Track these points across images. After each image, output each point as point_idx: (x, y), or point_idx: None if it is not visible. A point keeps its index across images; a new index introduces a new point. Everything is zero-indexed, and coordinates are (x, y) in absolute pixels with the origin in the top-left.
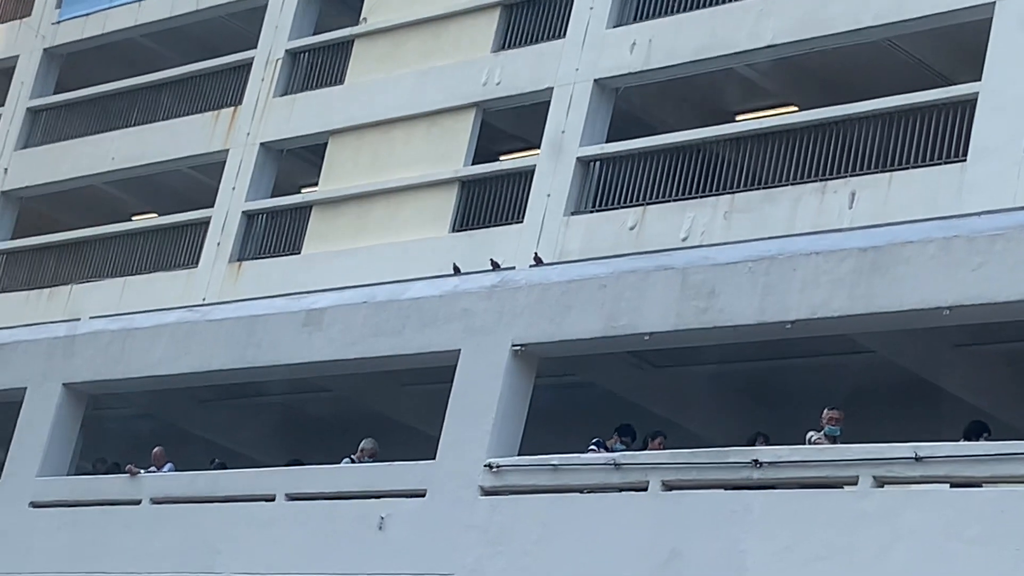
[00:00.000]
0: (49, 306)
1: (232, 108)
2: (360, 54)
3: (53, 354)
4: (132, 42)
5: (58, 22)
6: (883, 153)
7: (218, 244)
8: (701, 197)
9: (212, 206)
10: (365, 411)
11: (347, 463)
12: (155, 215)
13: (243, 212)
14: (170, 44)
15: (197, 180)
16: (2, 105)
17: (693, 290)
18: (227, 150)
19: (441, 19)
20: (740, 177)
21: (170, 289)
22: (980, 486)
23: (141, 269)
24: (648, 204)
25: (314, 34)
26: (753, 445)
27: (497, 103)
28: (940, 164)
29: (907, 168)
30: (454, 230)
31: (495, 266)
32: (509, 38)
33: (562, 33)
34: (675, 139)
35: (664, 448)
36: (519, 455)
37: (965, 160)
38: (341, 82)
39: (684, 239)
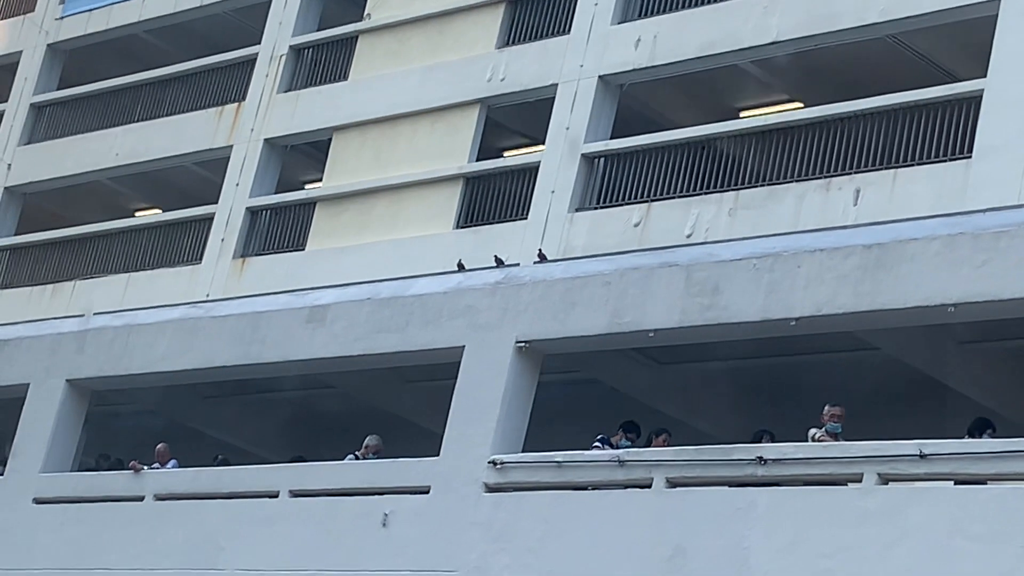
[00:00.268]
0: (53, 302)
1: (236, 104)
2: (364, 50)
3: (57, 350)
4: (136, 38)
5: (61, 18)
6: (888, 150)
7: (222, 240)
8: (706, 194)
9: (216, 202)
10: (369, 407)
11: (351, 459)
12: (159, 211)
13: (247, 208)
14: (174, 40)
15: (201, 176)
16: (5, 101)
17: (697, 287)
18: (231, 146)
19: (445, 15)
20: (745, 174)
21: (174, 285)
22: (985, 483)
23: (145, 265)
24: (652, 201)
25: (318, 30)
26: (758, 443)
27: (501, 99)
28: (945, 161)
29: (912, 165)
30: (458, 226)
31: (499, 263)
32: (514, 34)
33: (567, 29)
34: (680, 136)
35: (668, 445)
36: (523, 452)
37: (970, 157)
38: (345, 78)
39: (688, 236)
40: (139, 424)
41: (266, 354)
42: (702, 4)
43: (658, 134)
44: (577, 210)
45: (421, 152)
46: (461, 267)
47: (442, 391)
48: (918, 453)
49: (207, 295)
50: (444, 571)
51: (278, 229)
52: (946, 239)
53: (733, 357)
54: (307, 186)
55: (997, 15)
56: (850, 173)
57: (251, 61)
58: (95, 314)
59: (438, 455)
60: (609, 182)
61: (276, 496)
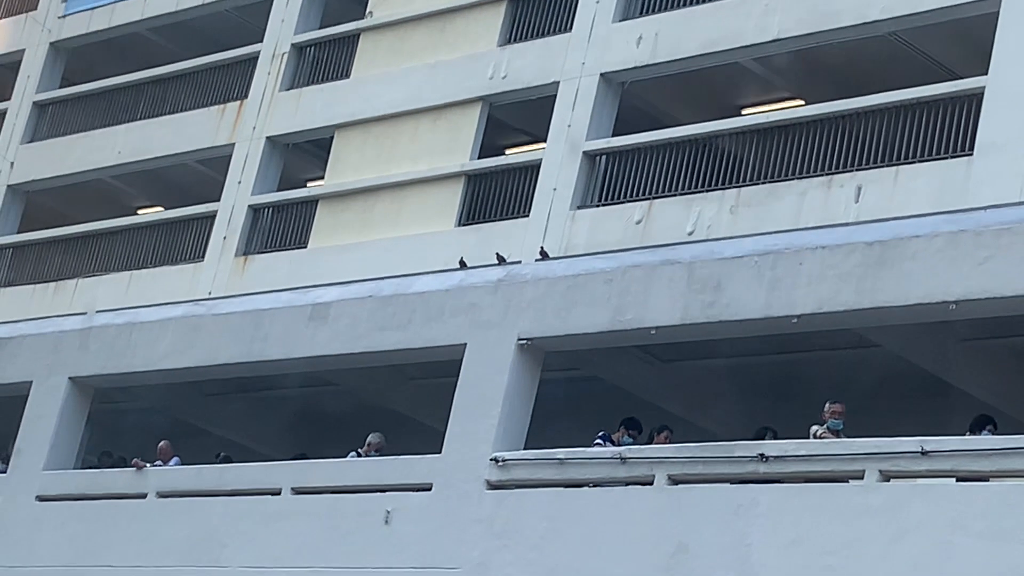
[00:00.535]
0: (55, 300)
1: (238, 102)
2: (366, 48)
3: (59, 348)
4: (138, 36)
5: (64, 16)
6: (889, 147)
7: (224, 238)
8: (707, 191)
9: (218, 200)
10: (371, 405)
11: (353, 457)
12: (161, 209)
13: (249, 206)
14: (176, 38)
15: (203, 174)
16: (8, 99)
17: (699, 284)
18: (233, 144)
19: (447, 13)
20: (746, 171)
21: (176, 283)
22: (986, 480)
23: (147, 263)
24: (654, 198)
25: (320, 28)
26: (761, 440)
27: (503, 97)
28: (947, 158)
29: (914, 162)
30: (460, 224)
31: (501, 260)
32: (515, 32)
33: (568, 27)
34: (681, 133)
35: (670, 442)
36: (525, 449)
37: (972, 154)
38: (347, 76)
39: (690, 233)
40: (142, 422)
41: (268, 352)
42: (704, 2)
43: (660, 132)
44: (579, 208)
45: (423, 150)
46: (463, 265)
47: (444, 389)
48: (920, 450)
49: (209, 293)
50: (446, 568)
51: (280, 227)
52: (948, 236)
53: (735, 354)
54: (309, 184)
55: (998, 12)
56: (852, 170)
57: (253, 59)
58: (98, 312)
59: (440, 452)
60: (611, 180)
61: (278, 494)
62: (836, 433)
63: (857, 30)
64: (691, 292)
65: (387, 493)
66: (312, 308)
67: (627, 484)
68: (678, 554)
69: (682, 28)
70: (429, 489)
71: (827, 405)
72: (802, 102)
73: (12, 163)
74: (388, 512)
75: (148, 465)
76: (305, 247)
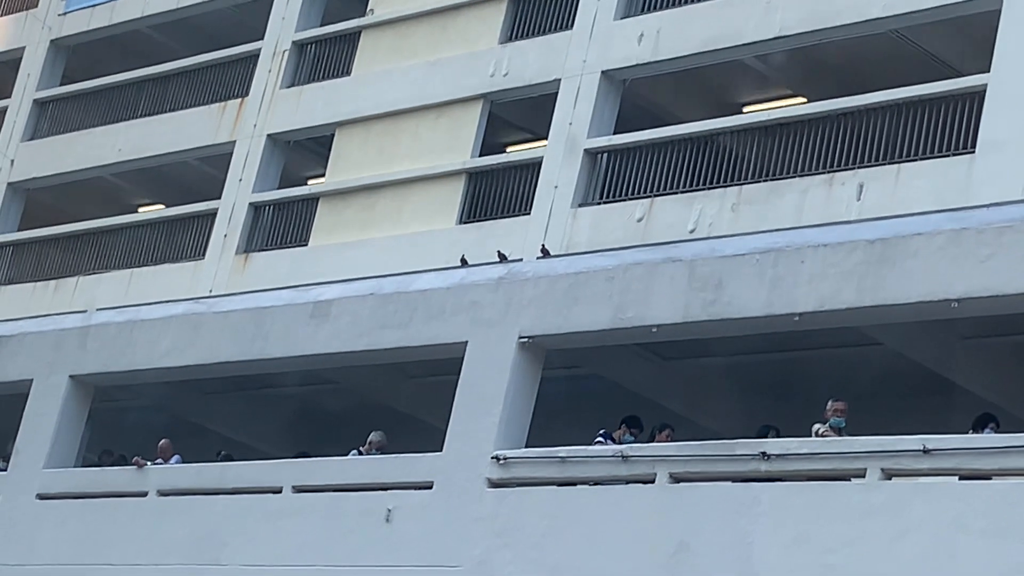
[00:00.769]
0: (56, 298)
1: (239, 99)
2: (367, 45)
3: (60, 346)
4: (139, 33)
5: (64, 13)
6: (891, 145)
7: (225, 236)
8: (709, 189)
9: (219, 197)
10: (372, 403)
11: (354, 455)
12: (162, 207)
13: (250, 204)
14: (177, 35)
15: (204, 172)
16: (8, 97)
17: (701, 282)
18: (234, 141)
19: (448, 10)
20: (748, 169)
21: (177, 281)
22: (989, 478)
23: (148, 261)
24: (655, 196)
25: (321, 25)
26: (764, 438)
27: (504, 95)
28: (948, 156)
29: (915, 160)
30: (461, 222)
31: (502, 258)
32: (516, 29)
33: (570, 25)
34: (682, 131)
35: (671, 440)
36: (526, 447)
37: (974, 152)
38: (348, 73)
39: (692, 231)
40: (142, 420)
41: (269, 350)
42: None
43: (661, 129)
44: (580, 205)
45: (424, 147)
46: (464, 262)
47: (445, 387)
48: (922, 448)
49: (210, 291)
50: (447, 566)
51: (281, 225)
52: (950, 234)
53: (736, 352)
54: (310, 182)
55: (1000, 9)
56: (853, 168)
57: (254, 56)
58: (98, 310)
59: (441, 451)
60: (612, 177)
61: (279, 492)
62: (838, 431)
63: (859, 27)
64: (692, 290)
65: (388, 491)
66: (313, 306)
67: (628, 482)
68: (679, 552)
69: (683, 26)
70: (430, 487)
71: (829, 403)
72: (804, 100)
73: (12, 161)
74: (389, 510)
75: (149, 463)
76: (306, 245)
